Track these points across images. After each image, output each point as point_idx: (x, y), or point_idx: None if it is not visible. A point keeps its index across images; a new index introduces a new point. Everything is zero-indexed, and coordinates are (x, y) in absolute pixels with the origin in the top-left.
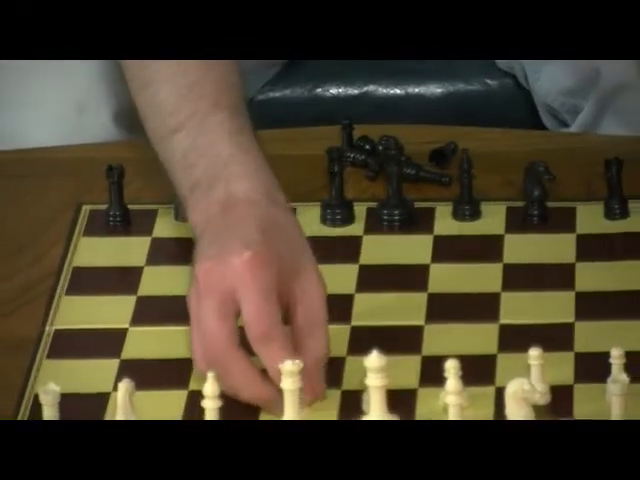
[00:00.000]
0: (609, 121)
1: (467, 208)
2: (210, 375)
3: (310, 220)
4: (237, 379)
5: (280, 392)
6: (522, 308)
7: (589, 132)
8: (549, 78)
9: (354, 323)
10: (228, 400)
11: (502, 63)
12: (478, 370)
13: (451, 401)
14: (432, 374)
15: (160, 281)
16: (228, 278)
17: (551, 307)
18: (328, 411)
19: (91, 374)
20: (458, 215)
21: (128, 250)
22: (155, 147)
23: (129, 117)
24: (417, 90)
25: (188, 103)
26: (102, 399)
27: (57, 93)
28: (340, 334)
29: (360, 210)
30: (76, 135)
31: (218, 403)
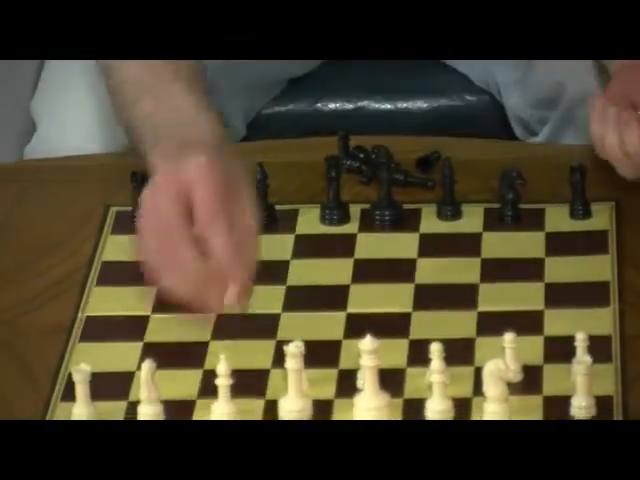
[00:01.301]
0: (572, 130)
1: (449, 209)
2: (222, 357)
3: (310, 220)
4: (183, 256)
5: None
6: (498, 297)
7: (555, 140)
8: (520, 92)
9: (349, 310)
10: (238, 380)
11: (479, 81)
12: (459, 352)
13: (435, 379)
14: (418, 355)
15: None
16: (185, 175)
17: (523, 296)
18: (327, 387)
19: (118, 355)
20: (441, 215)
21: None
22: (124, 119)
23: None
24: (405, 105)
25: (150, 77)
26: (127, 377)
27: (90, 102)
28: (337, 320)
29: (355, 211)
30: (106, 140)
31: (229, 381)
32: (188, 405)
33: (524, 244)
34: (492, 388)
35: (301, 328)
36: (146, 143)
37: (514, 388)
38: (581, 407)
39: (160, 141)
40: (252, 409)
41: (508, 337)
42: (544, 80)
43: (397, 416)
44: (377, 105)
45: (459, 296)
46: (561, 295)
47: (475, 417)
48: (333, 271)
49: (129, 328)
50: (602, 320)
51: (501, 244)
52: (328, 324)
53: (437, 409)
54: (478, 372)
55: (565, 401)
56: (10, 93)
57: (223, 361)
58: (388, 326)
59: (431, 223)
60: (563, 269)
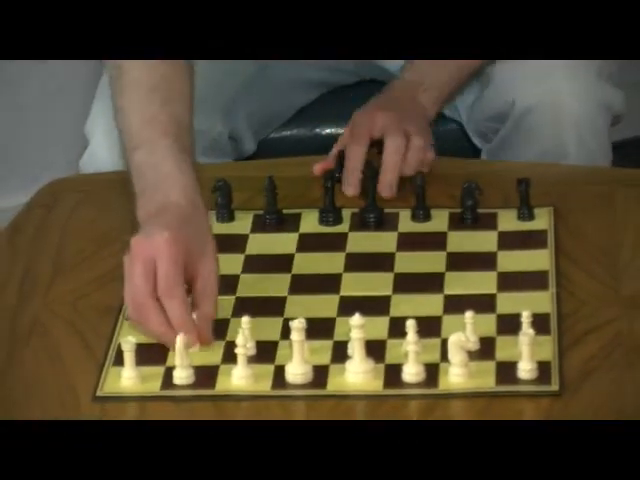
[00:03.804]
0: (520, 138)
1: (421, 213)
2: (240, 330)
3: (311, 221)
4: (153, 322)
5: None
6: (460, 283)
7: (506, 146)
8: (479, 109)
9: (342, 294)
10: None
11: (447, 111)
12: (429, 327)
13: (410, 349)
14: (397, 330)
15: None
16: (151, 249)
17: (480, 282)
18: (324, 355)
19: None
20: (415, 218)
21: None
22: (125, 159)
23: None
24: None
25: (146, 130)
26: (164, 347)
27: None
28: (332, 302)
29: (346, 214)
30: None
31: (247, 351)
32: (213, 369)
33: (481, 241)
34: (455, 355)
35: (303, 308)
36: (134, 188)
37: (473, 355)
38: (526, 370)
39: (143, 195)
40: (264, 373)
41: (468, 315)
42: (497, 99)
43: (380, 378)
44: None
45: (429, 282)
46: (510, 281)
47: (441, 379)
48: (329, 262)
49: None
50: (542, 301)
51: (462, 241)
52: (325, 304)
53: (412, 372)
54: (444, 343)
55: (513, 365)
56: (66, 118)
57: (241, 334)
58: (373, 306)
59: (407, 224)
60: (512, 261)
